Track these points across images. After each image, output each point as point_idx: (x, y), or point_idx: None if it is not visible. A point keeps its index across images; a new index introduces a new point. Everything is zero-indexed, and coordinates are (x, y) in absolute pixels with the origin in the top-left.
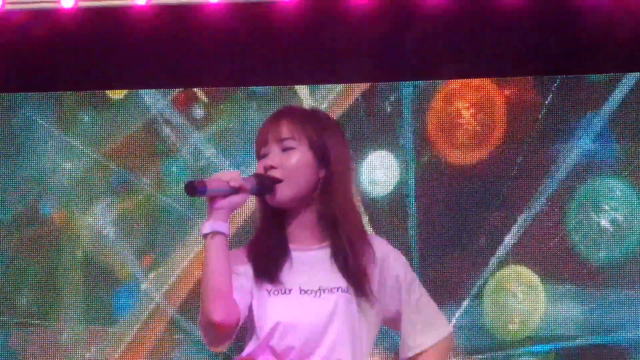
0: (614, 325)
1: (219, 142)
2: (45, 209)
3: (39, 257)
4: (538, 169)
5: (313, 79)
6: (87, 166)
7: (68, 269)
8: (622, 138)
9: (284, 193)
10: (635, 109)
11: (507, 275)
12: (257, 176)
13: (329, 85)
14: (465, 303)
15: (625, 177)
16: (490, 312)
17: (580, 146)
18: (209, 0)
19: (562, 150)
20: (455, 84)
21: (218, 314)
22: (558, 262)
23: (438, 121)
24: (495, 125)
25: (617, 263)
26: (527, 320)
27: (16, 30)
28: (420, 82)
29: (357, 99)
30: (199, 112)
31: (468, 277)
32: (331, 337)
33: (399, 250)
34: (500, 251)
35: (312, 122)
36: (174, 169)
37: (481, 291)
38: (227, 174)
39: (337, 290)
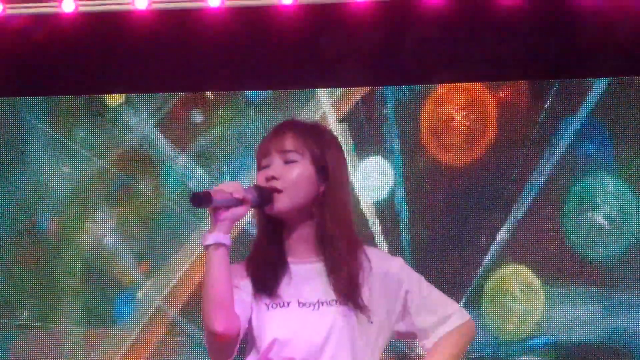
0: (614, 324)
1: (217, 149)
2: (46, 213)
3: (39, 258)
4: (530, 168)
5: (312, 84)
6: (87, 170)
7: (68, 272)
8: (616, 137)
9: (282, 203)
10: (627, 109)
11: (505, 275)
12: (256, 188)
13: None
14: (461, 304)
15: (619, 174)
16: (488, 312)
17: (574, 145)
18: (209, 5)
19: (556, 150)
20: (447, 87)
21: (220, 324)
22: (555, 261)
23: (430, 125)
24: (488, 127)
25: (614, 260)
26: (526, 319)
27: (17, 35)
28: (416, 87)
29: (356, 104)
30: (197, 117)
31: (463, 279)
32: (330, 351)
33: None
34: (497, 251)
35: (315, 137)
36: (172, 172)
37: (478, 292)
38: (230, 185)
39: (336, 303)
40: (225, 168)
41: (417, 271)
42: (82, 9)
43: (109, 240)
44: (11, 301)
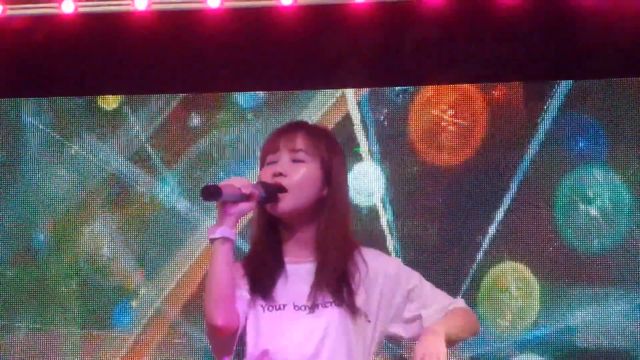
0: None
1: (214, 154)
2: (44, 215)
3: (37, 259)
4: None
5: (311, 85)
6: (86, 171)
7: (67, 274)
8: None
9: (287, 203)
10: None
11: (499, 273)
12: (263, 184)
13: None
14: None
15: (612, 168)
16: (484, 310)
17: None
18: (208, 6)
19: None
20: (436, 88)
21: (220, 319)
22: (549, 257)
23: (421, 126)
24: (478, 127)
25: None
26: (522, 316)
27: (17, 36)
28: (407, 88)
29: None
30: (195, 120)
31: (457, 278)
32: (325, 354)
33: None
34: (490, 249)
35: (325, 141)
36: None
37: (473, 289)
38: (239, 181)
39: (331, 305)
40: (221, 174)
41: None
42: (81, 10)
43: (109, 242)
44: (9, 303)
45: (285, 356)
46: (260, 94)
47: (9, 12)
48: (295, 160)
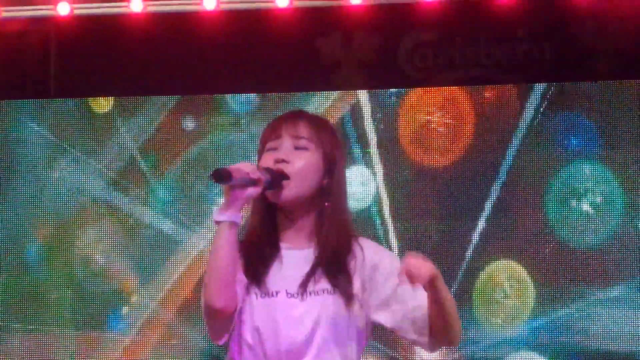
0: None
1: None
2: (41, 217)
3: (35, 259)
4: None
5: (307, 87)
6: (84, 172)
7: (63, 276)
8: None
9: (289, 191)
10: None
11: (493, 271)
12: (268, 170)
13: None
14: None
15: (602, 163)
16: (477, 307)
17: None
18: (205, 8)
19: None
20: (424, 90)
21: (220, 301)
22: (543, 254)
23: (410, 127)
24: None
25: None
26: (516, 313)
27: (13, 38)
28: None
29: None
30: (189, 126)
31: (449, 277)
32: (317, 342)
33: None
34: (482, 246)
35: (328, 131)
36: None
37: (466, 288)
38: (247, 165)
39: (324, 292)
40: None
41: None
42: (77, 12)
43: (105, 243)
44: (5, 305)
45: (277, 345)
46: (254, 98)
47: (4, 14)
48: (298, 148)
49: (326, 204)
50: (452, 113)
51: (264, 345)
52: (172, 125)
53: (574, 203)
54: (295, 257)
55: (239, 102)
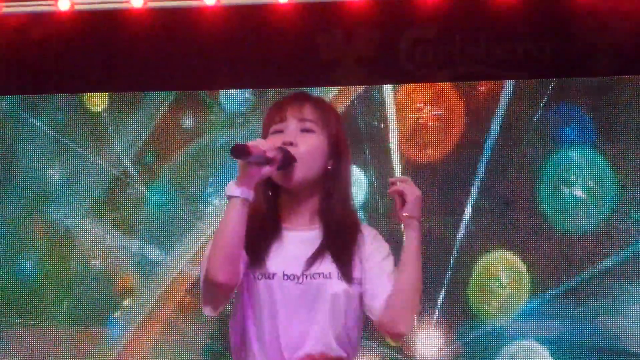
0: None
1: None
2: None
3: (33, 257)
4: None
5: (306, 83)
6: (85, 168)
7: (62, 271)
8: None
9: (297, 173)
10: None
11: (488, 262)
12: (281, 150)
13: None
14: (443, 291)
15: (592, 150)
16: (472, 297)
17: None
18: (205, 4)
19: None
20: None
21: (224, 276)
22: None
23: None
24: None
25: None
26: (511, 303)
27: (13, 33)
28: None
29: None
30: (186, 123)
31: (442, 269)
32: (314, 325)
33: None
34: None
35: (333, 113)
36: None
37: (462, 278)
38: (265, 143)
39: (320, 277)
40: (211, 178)
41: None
42: (78, 7)
43: (106, 239)
44: (4, 300)
45: (275, 327)
46: (251, 97)
47: (5, 10)
48: (304, 130)
49: (331, 186)
50: (441, 107)
51: (263, 326)
52: (168, 124)
53: (566, 191)
54: (295, 239)
55: (235, 101)
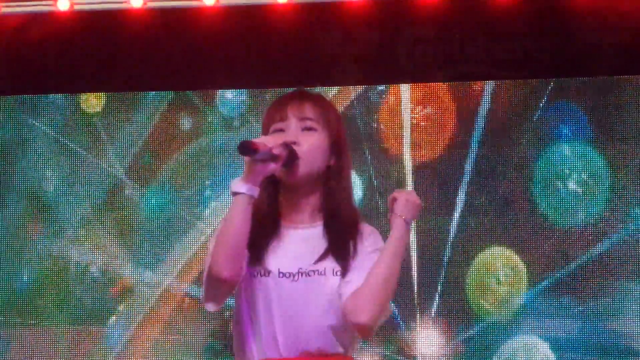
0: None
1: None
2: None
3: (31, 255)
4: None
5: (305, 83)
6: (83, 170)
7: (61, 270)
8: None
9: (299, 171)
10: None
11: (485, 258)
12: (286, 146)
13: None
14: (439, 289)
15: (586, 146)
16: (470, 294)
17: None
18: (204, 4)
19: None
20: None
21: (227, 271)
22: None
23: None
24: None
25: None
26: (508, 299)
27: (12, 33)
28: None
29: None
30: (183, 125)
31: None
32: (310, 323)
33: None
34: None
35: (333, 111)
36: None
37: (459, 277)
38: (271, 140)
39: (315, 274)
40: (208, 181)
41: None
42: (77, 7)
43: (105, 239)
44: (5, 299)
45: (271, 324)
46: (247, 100)
47: (4, 10)
48: (305, 129)
49: (333, 184)
50: (434, 108)
51: (260, 324)
52: (167, 125)
53: (563, 189)
54: (295, 237)
55: (231, 104)
